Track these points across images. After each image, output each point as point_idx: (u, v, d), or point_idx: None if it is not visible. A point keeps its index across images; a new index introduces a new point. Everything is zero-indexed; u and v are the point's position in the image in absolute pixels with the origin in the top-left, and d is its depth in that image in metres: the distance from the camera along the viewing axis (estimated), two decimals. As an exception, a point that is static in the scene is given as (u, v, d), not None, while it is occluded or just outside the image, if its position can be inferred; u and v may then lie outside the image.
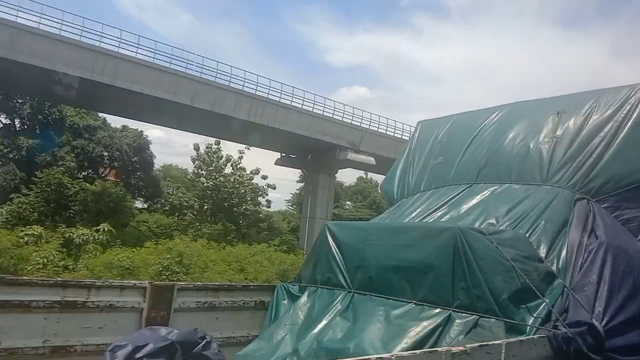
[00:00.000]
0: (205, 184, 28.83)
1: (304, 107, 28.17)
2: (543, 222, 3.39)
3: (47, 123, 27.95)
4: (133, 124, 30.99)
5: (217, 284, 4.22)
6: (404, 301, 3.05)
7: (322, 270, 3.60)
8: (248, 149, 29.88)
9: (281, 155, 31.91)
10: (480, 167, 4.27)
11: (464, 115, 5.03)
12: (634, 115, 3.78)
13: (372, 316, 3.05)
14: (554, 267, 3.13)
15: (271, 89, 27.59)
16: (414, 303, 3.01)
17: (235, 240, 24.86)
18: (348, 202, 46.37)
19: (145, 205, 31.52)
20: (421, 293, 2.99)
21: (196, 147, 29.86)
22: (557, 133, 3.98)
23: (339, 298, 3.35)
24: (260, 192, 31.52)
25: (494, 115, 4.61)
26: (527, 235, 3.32)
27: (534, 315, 2.78)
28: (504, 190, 3.93)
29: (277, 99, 27.42)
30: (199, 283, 3.95)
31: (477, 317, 2.76)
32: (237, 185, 28.50)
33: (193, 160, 29.96)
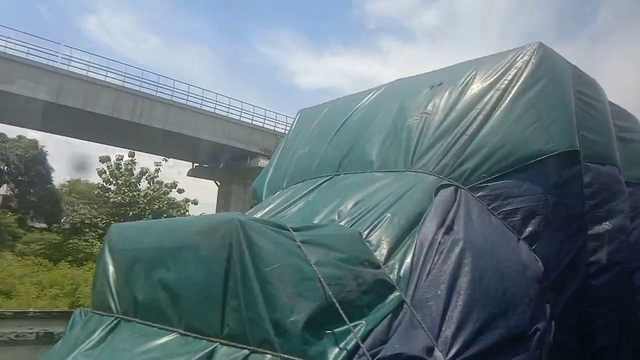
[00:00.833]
0: (113, 200, 26.22)
1: (203, 107, 26.54)
2: (389, 215, 2.50)
3: None
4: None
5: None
6: (167, 329, 2.08)
7: (97, 289, 2.59)
8: (165, 160, 27.81)
9: (193, 166, 29.90)
10: (344, 155, 3.39)
11: (343, 99, 4.19)
12: (520, 81, 2.99)
13: (125, 352, 2.06)
14: (394, 275, 2.22)
15: (160, 86, 25.99)
16: (179, 332, 2.04)
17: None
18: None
19: (45, 225, 28.22)
20: (188, 317, 2.03)
21: (102, 159, 27.21)
22: (428, 109, 3.14)
23: (102, 327, 2.34)
24: (177, 208, 28.55)
25: (369, 96, 3.77)
26: (367, 232, 2.42)
27: (341, 346, 1.84)
28: (362, 180, 3.04)
29: (169, 97, 25.52)
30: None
31: (248, 351, 1.81)
32: (152, 201, 26.15)
33: (100, 174, 27.28)
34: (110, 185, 27.29)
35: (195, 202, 29.27)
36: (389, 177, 2.92)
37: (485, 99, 2.98)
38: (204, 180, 31.72)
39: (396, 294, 2.13)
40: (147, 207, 25.70)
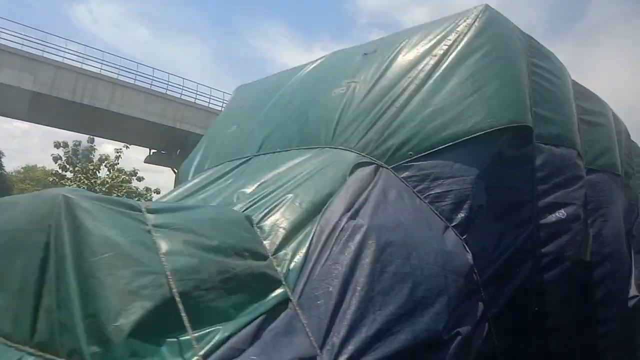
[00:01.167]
0: (69, 187, 24.54)
1: (152, 87, 25.32)
2: (291, 197, 2.09)
3: None
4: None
5: None
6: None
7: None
8: (127, 147, 26.65)
9: (150, 152, 28.78)
10: (267, 134, 2.98)
11: (279, 73, 3.77)
12: (460, 47, 2.59)
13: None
14: (283, 267, 1.81)
15: (105, 63, 24.58)
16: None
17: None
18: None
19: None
20: (1, 319, 1.62)
21: (57, 145, 25.91)
22: (355, 78, 2.73)
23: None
24: (139, 197, 26.75)
25: (304, 69, 3.36)
26: (262, 216, 2.01)
27: (185, 356, 1.44)
28: (276, 159, 2.63)
29: (115, 76, 24.38)
30: None
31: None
32: (111, 190, 24.97)
33: (55, 159, 26.08)
34: (66, 172, 26.17)
35: (157, 191, 28.11)
36: (305, 154, 2.52)
37: (420, 67, 2.58)
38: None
39: (279, 291, 1.73)
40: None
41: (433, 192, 2.31)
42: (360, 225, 1.88)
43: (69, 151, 25.98)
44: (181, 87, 26.81)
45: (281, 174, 2.34)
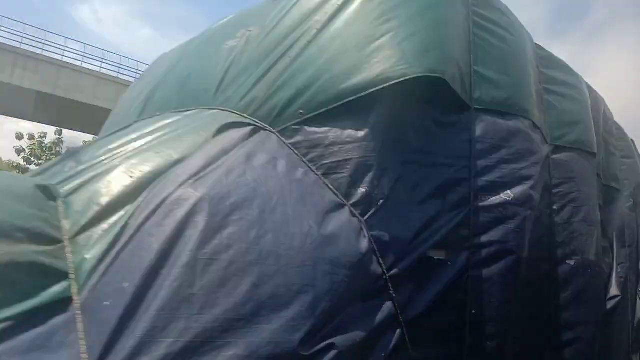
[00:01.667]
0: None
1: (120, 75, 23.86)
2: (123, 168, 1.58)
3: None
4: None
5: None
6: None
7: None
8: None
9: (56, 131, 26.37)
10: (150, 97, 2.47)
11: (196, 37, 3.25)
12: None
13: None
14: (80, 254, 1.31)
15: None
16: None
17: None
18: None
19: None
20: None
21: (19, 136, 25.21)
22: (250, 28, 2.22)
23: None
24: None
25: (210, 28, 2.84)
26: (75, 188, 1.51)
27: None
28: (142, 125, 2.11)
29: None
30: None
31: None
32: None
33: (18, 152, 25.40)
34: (31, 165, 25.27)
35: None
36: (174, 117, 2.01)
37: (325, 9, 2.06)
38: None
39: (58, 287, 1.23)
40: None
41: (328, 161, 1.80)
42: (189, 196, 1.37)
43: (34, 144, 25.33)
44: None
45: (130, 141, 1.83)
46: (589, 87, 3.71)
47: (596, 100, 3.67)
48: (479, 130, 2.28)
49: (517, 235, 2.23)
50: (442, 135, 2.17)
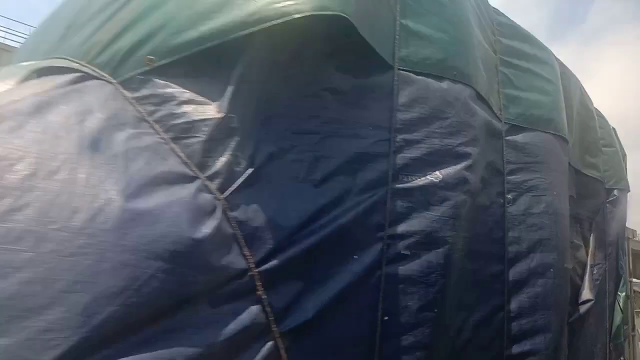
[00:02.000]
0: None
1: None
2: None
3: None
4: None
5: None
6: None
7: None
8: None
9: None
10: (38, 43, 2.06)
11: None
12: None
13: None
14: None
15: None
16: None
17: None
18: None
19: None
20: None
21: None
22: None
23: None
24: None
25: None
26: None
27: None
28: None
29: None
30: None
31: None
32: None
33: None
34: None
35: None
36: (8, 70, 1.59)
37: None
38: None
39: None
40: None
41: (180, 121, 1.38)
42: None
43: None
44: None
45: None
46: (563, 66, 3.29)
47: (569, 80, 3.26)
48: (404, 95, 1.86)
49: (445, 224, 1.82)
50: (354, 100, 1.76)
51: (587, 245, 3.56)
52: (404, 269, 1.72)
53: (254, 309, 1.33)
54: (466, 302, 2.04)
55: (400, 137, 1.82)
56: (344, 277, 1.58)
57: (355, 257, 1.63)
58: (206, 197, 1.29)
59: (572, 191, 3.27)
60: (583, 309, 3.22)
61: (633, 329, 4.18)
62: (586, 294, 3.30)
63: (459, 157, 1.92)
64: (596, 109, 3.87)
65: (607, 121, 4.02)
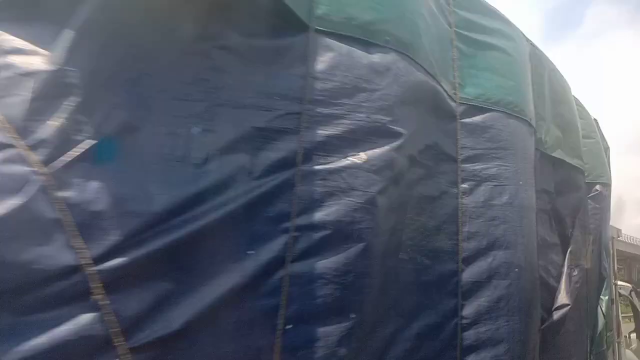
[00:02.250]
0: None
1: None
2: None
3: None
4: None
5: None
6: None
7: None
8: None
9: None
10: None
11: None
12: None
13: None
14: None
15: None
16: None
17: None
18: None
19: None
20: None
21: None
22: None
23: None
24: None
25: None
26: None
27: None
28: None
29: None
30: None
31: None
32: None
33: None
34: None
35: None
36: None
37: None
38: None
39: None
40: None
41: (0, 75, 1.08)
42: None
43: None
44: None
45: None
46: (533, 45, 3.00)
47: (540, 60, 2.96)
48: (322, 61, 1.56)
49: (368, 214, 1.51)
50: (257, 64, 1.46)
51: (566, 244, 3.25)
52: (315, 267, 1.41)
53: (87, 317, 1.02)
54: (404, 307, 1.73)
55: (316, 110, 1.52)
56: (231, 277, 1.27)
57: (250, 252, 1.32)
58: (16, 169, 0.99)
59: (549, 184, 2.97)
60: (558, 314, 2.90)
61: (618, 335, 3.86)
62: (562, 298, 2.99)
63: (388, 136, 1.62)
64: (575, 98, 3.57)
65: (587, 111, 3.73)
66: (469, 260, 2.09)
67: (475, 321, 2.07)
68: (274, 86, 1.47)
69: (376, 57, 1.66)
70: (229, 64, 1.40)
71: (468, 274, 2.07)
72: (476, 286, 2.10)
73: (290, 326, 1.36)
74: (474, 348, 2.04)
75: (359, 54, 1.63)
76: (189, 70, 1.33)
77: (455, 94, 2.20)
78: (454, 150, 2.12)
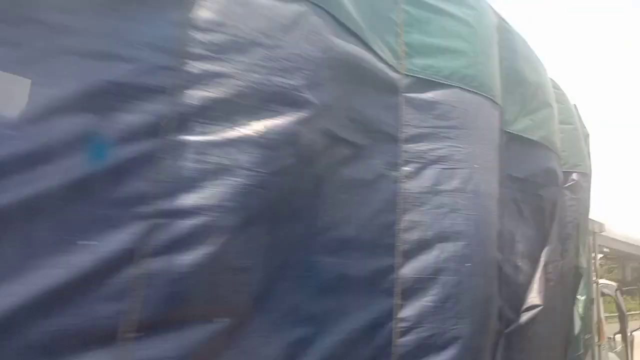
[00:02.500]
0: None
1: None
2: None
3: None
4: None
5: None
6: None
7: None
8: None
9: None
10: None
11: None
12: None
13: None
14: None
15: None
16: None
17: None
18: None
19: None
20: None
21: None
22: None
23: None
24: None
25: None
26: None
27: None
28: None
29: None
30: None
31: None
32: None
33: None
34: None
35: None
36: None
37: None
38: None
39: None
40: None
41: None
42: None
43: None
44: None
45: None
46: (503, 20, 2.70)
47: (506, 32, 2.66)
48: (207, 7, 1.26)
49: (260, 198, 1.21)
50: (110, 5, 1.15)
51: (543, 238, 2.95)
52: (181, 263, 1.12)
53: None
54: (316, 310, 1.44)
55: (196, 65, 1.22)
56: (48, 275, 0.97)
57: (82, 242, 1.02)
58: None
59: (519, 170, 2.67)
60: (527, 316, 2.61)
61: (599, 338, 3.58)
62: (534, 298, 2.70)
63: (293, 105, 1.32)
64: (552, 80, 3.28)
65: (565, 95, 3.43)
66: (410, 254, 1.81)
67: (416, 324, 1.78)
68: (138, 32, 1.16)
69: (279, 7, 1.36)
70: (71, 3, 1.10)
71: (409, 270, 1.79)
72: (419, 284, 1.82)
73: (141, 334, 1.06)
74: (413, 356, 1.76)
75: (258, 1, 1.33)
76: (20, 7, 1.03)
77: (400, 64, 1.90)
78: (394, 129, 1.82)
